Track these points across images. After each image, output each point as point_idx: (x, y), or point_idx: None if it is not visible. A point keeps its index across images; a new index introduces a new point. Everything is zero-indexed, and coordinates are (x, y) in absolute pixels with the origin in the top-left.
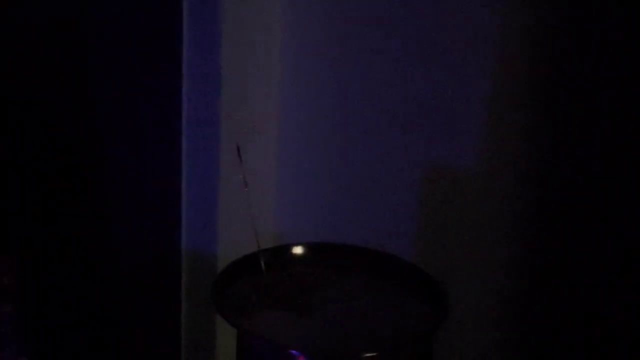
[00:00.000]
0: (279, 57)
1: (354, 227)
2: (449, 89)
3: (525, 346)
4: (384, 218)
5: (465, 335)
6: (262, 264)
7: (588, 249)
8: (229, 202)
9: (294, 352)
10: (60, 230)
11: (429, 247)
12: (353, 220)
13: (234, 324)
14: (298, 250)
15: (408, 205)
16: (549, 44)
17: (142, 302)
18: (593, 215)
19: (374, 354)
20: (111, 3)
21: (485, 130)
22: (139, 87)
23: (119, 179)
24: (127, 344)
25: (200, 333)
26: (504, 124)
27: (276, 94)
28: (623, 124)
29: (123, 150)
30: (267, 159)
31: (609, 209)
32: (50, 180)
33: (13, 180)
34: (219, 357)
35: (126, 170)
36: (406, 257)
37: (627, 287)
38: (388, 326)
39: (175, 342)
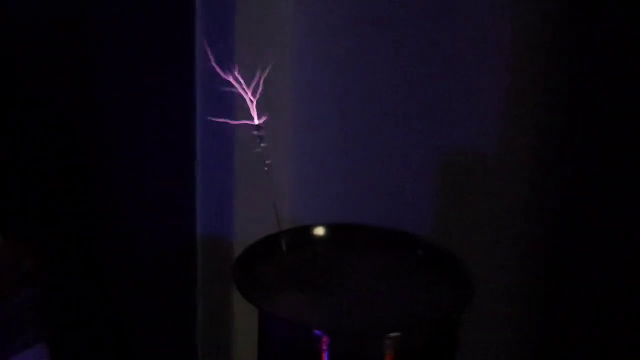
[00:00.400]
0: (294, 39)
1: (371, 211)
2: (468, 76)
3: (542, 326)
4: (400, 202)
5: (485, 317)
6: (283, 245)
7: (605, 234)
8: (245, 187)
9: (317, 332)
10: (81, 217)
11: (445, 231)
12: (370, 205)
13: (256, 305)
14: (319, 231)
15: (425, 189)
16: (568, 34)
17: (159, 289)
18: (611, 202)
19: (398, 333)
20: None
21: (502, 116)
22: (153, 75)
23: (135, 167)
24: (144, 329)
25: (217, 317)
26: (522, 111)
27: (292, 78)
28: None
29: (139, 139)
30: (283, 143)
31: (627, 198)
32: (71, 171)
33: (38, 172)
34: (237, 342)
35: (142, 158)
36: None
37: None
38: (410, 306)
39: (192, 326)
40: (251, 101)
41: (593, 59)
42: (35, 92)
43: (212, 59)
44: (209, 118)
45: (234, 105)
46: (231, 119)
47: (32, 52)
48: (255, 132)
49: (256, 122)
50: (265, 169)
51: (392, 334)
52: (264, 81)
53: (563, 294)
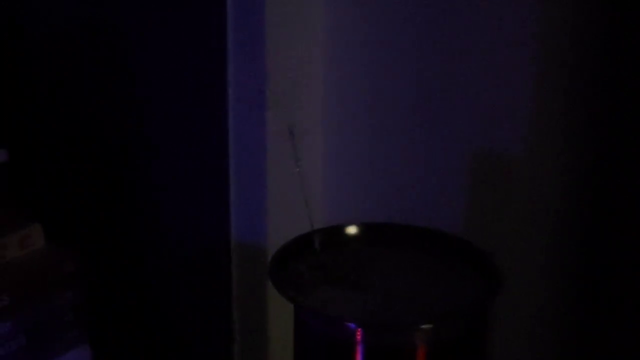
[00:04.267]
0: (324, 37)
1: (401, 210)
2: (499, 77)
3: (572, 324)
4: (430, 201)
5: (515, 313)
6: (317, 244)
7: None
8: (277, 188)
9: (351, 325)
10: (119, 221)
11: (475, 230)
12: (400, 204)
13: (291, 300)
14: (351, 229)
15: (455, 189)
16: (598, 34)
17: (195, 289)
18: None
19: (430, 325)
20: None
21: (533, 115)
22: (185, 77)
23: (171, 172)
24: (181, 329)
25: (252, 315)
26: (553, 110)
27: (322, 76)
28: None
29: (174, 145)
30: (314, 142)
31: None
32: (111, 177)
33: (79, 177)
34: (272, 340)
35: (178, 162)
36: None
37: None
38: (442, 300)
39: (228, 326)
40: (283, 102)
41: (626, 59)
42: (77, 98)
43: (244, 61)
44: (241, 121)
45: (265, 106)
46: (263, 121)
47: (74, 56)
48: (289, 132)
49: (289, 124)
50: (297, 169)
51: (424, 326)
52: (295, 82)
53: (593, 291)
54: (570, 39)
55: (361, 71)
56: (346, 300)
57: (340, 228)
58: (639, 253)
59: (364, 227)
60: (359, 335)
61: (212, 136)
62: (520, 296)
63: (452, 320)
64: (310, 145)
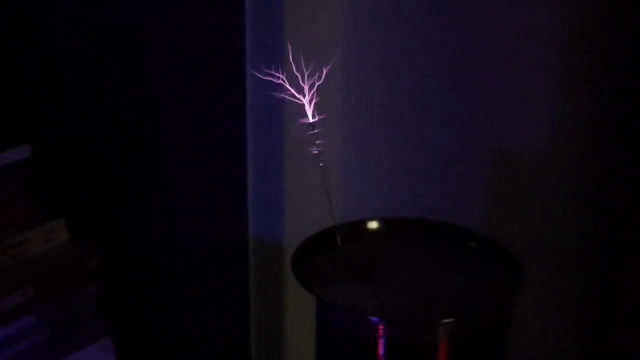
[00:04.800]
0: (344, 35)
1: (422, 206)
2: (519, 73)
3: (591, 321)
4: (451, 198)
5: (533, 310)
6: (338, 239)
7: None
8: (295, 185)
9: (374, 319)
10: (140, 216)
11: (496, 225)
12: (421, 200)
13: (315, 294)
14: (373, 225)
15: (476, 185)
16: (619, 32)
17: (214, 285)
18: None
19: (453, 319)
20: None
21: (554, 112)
22: (203, 75)
23: (190, 169)
24: (200, 324)
25: (270, 310)
26: (574, 106)
27: (341, 73)
28: None
29: (193, 141)
30: (332, 139)
31: None
32: (132, 174)
33: (101, 175)
34: (290, 336)
35: (196, 159)
36: None
37: None
38: (464, 295)
39: (246, 320)
40: (304, 99)
41: None
42: (97, 95)
43: (263, 58)
44: (260, 115)
45: (284, 103)
46: (283, 117)
47: (94, 56)
48: (310, 131)
49: (311, 119)
50: (320, 164)
51: (445, 320)
52: (315, 79)
53: (613, 289)
54: (590, 36)
55: (379, 68)
56: (367, 295)
57: (362, 223)
58: None
59: (385, 223)
60: (381, 330)
61: (230, 133)
62: (539, 293)
63: (475, 316)
64: (328, 142)
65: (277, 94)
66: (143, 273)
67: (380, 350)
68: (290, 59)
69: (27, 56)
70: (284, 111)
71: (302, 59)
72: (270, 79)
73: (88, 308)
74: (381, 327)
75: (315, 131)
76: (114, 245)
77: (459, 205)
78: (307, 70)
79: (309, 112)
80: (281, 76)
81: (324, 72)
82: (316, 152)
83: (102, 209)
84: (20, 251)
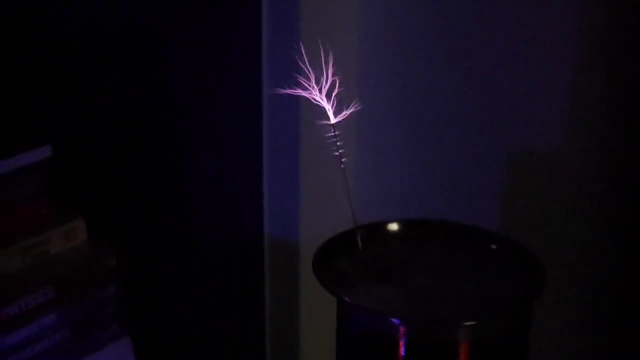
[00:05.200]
0: (359, 40)
1: (439, 208)
2: (535, 73)
3: (612, 323)
4: (468, 199)
5: (555, 313)
6: (359, 240)
7: None
8: (311, 185)
9: (395, 320)
10: (157, 217)
11: (512, 229)
12: (438, 202)
13: (335, 294)
14: (393, 226)
15: (494, 186)
16: (636, 30)
17: (229, 285)
18: None
19: (474, 321)
20: None
21: (571, 113)
22: (220, 75)
23: (207, 171)
24: (216, 324)
25: (285, 312)
26: (591, 107)
27: (357, 74)
28: None
29: (209, 143)
30: (348, 140)
31: None
32: (149, 174)
33: (119, 175)
34: (305, 338)
35: (213, 160)
36: None
37: None
38: (485, 297)
39: (261, 320)
40: (323, 101)
41: None
42: (116, 96)
43: (279, 59)
44: (276, 115)
45: (301, 104)
46: (299, 117)
47: (113, 56)
48: (332, 128)
49: (332, 121)
50: (342, 166)
51: (467, 322)
52: (334, 79)
53: (634, 290)
54: (608, 34)
55: (395, 69)
56: (390, 296)
57: (383, 225)
58: None
59: (406, 224)
60: (402, 331)
61: (246, 133)
62: (559, 294)
63: (497, 317)
64: (344, 143)
65: (294, 94)
66: (159, 272)
67: (402, 351)
68: (306, 61)
69: (47, 58)
70: (301, 111)
71: (321, 60)
72: (287, 77)
73: (107, 307)
74: (402, 328)
75: (336, 132)
76: (131, 244)
77: (475, 206)
78: (325, 71)
79: (330, 113)
80: (299, 74)
81: (342, 73)
82: (337, 154)
83: (119, 209)
84: (40, 251)
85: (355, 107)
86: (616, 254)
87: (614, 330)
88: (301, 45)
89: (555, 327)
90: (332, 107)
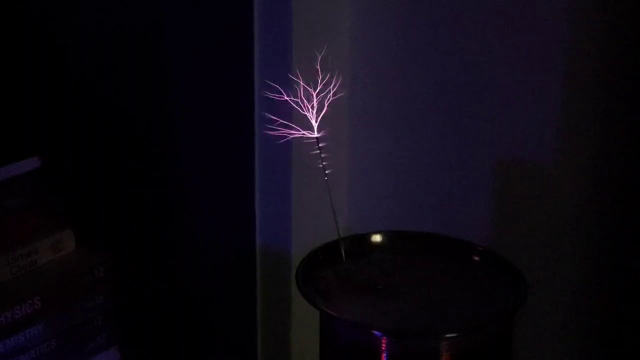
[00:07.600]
0: (350, 46)
1: (426, 220)
2: (525, 84)
3: (598, 332)
4: (456, 210)
5: (540, 324)
6: (342, 252)
7: None
8: (302, 195)
9: (376, 332)
10: (148, 226)
11: (501, 238)
12: (425, 213)
13: (317, 307)
14: (377, 238)
15: (481, 198)
16: (626, 40)
17: (221, 295)
18: None
19: (455, 334)
20: None
21: (560, 124)
22: (212, 85)
23: (199, 180)
24: (207, 333)
25: (276, 321)
26: (580, 118)
27: (348, 83)
28: None
29: (199, 150)
30: (339, 151)
31: None
32: (140, 182)
33: (109, 182)
34: (295, 345)
35: (205, 170)
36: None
37: None
38: (467, 309)
39: (252, 329)
40: (310, 113)
41: None
42: (107, 105)
43: (270, 68)
44: (267, 129)
45: (291, 116)
46: (289, 130)
47: (107, 64)
48: (315, 145)
49: (316, 134)
50: (325, 178)
51: (449, 335)
52: (320, 93)
53: (620, 300)
54: (597, 45)
55: (386, 79)
56: (373, 308)
57: (367, 236)
58: None
59: (390, 235)
60: (384, 343)
61: (238, 143)
62: (546, 304)
63: (478, 329)
64: (335, 152)
65: (284, 105)
66: (150, 282)
67: None
68: (299, 74)
69: (36, 66)
70: (293, 123)
71: (315, 71)
72: (279, 87)
73: (95, 318)
74: (385, 340)
75: (321, 145)
76: (121, 255)
77: (465, 215)
78: (315, 83)
79: (315, 127)
80: (288, 85)
81: (332, 86)
82: (321, 166)
83: (109, 219)
84: (28, 262)
85: (344, 120)
86: (607, 263)
87: (599, 345)
88: (291, 55)
89: (538, 340)
90: (316, 121)
